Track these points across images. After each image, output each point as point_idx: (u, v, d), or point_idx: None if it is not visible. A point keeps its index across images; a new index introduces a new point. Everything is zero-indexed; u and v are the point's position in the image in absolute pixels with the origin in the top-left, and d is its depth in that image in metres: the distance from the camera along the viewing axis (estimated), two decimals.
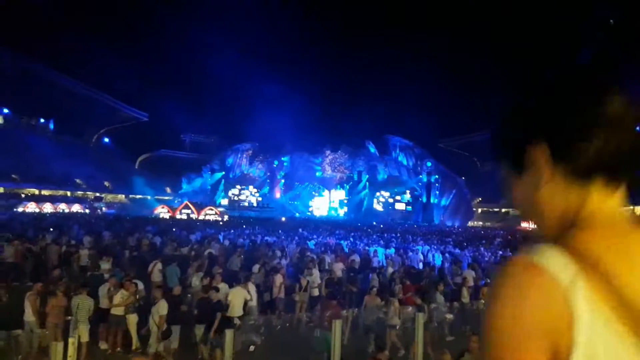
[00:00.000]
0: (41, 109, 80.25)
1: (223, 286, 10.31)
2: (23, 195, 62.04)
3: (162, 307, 8.65)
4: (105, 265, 13.52)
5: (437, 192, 77.66)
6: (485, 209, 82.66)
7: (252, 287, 10.73)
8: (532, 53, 75.89)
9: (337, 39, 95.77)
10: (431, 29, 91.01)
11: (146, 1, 73.31)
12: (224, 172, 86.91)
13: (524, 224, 61.31)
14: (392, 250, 21.06)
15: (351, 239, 27.05)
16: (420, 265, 18.15)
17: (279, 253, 17.08)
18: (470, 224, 73.33)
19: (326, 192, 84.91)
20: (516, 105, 0.86)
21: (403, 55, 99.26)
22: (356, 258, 17.13)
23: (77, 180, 75.20)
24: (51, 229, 24.81)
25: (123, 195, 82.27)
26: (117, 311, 9.29)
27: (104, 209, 67.02)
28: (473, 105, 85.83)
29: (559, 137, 0.78)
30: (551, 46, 69.84)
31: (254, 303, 10.55)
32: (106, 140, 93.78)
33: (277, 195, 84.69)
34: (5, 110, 75.24)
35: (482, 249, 23.40)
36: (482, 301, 11.65)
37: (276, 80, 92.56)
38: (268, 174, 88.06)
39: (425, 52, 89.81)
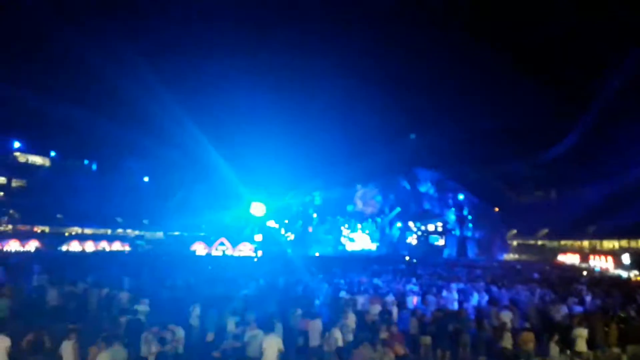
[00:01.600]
0: (85, 151, 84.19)
1: (258, 333, 10.41)
2: (67, 234, 64.55)
3: None
4: (142, 307, 13.53)
5: (471, 225, 76.31)
6: (520, 241, 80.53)
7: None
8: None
9: (367, 73, 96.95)
10: (465, 60, 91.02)
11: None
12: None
13: (561, 257, 59.49)
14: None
15: (385, 277, 26.92)
16: (456, 305, 17.93)
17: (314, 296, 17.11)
18: (505, 257, 71.47)
19: (358, 226, 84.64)
20: None
21: (435, 86, 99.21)
22: (391, 299, 17.08)
23: (118, 219, 77.73)
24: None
25: (161, 233, 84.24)
26: None
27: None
28: (507, 136, 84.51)
29: None
30: None
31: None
32: (145, 179, 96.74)
33: (310, 230, 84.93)
34: (52, 153, 79.22)
35: (519, 286, 22.83)
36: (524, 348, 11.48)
37: (303, 115, 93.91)
38: (300, 209, 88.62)
39: (459, 83, 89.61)
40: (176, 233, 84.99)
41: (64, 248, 53.03)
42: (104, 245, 59.78)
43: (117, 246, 61.13)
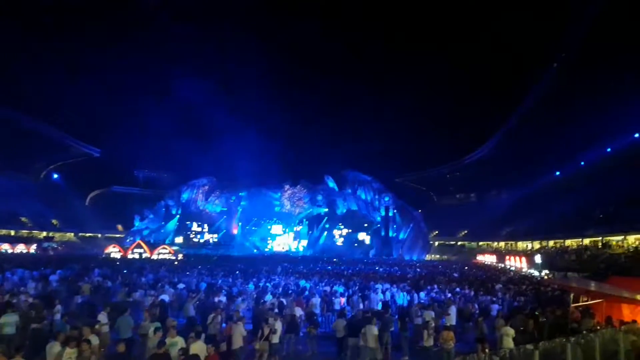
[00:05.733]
0: None
1: (179, 340, 9.74)
2: None
3: None
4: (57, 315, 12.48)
5: (395, 226, 78.52)
6: (441, 242, 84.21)
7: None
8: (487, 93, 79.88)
9: (296, 75, 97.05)
10: (390, 66, 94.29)
11: (99, 32, 72.08)
12: (179, 209, 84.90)
13: (480, 257, 62.82)
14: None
15: (312, 279, 26.65)
16: (380, 306, 17.94)
17: (239, 300, 16.41)
18: (427, 257, 74.30)
19: (285, 227, 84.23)
20: None
21: (362, 92, 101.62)
22: (316, 301, 16.78)
23: (23, 219, 71.35)
24: None
25: (72, 234, 78.64)
26: None
27: (54, 248, 63.51)
28: (429, 141, 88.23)
29: None
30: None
31: None
32: (55, 176, 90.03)
33: (235, 231, 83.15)
34: None
35: (436, 286, 23.41)
36: (445, 346, 11.56)
37: (234, 114, 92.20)
38: (225, 209, 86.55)
39: (385, 89, 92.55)
40: (88, 235, 79.92)
41: None
42: (5, 247, 54.48)
43: (20, 248, 55.95)
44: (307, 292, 19.54)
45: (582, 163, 61.07)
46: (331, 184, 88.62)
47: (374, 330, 11.94)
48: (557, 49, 60.76)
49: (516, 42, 68.61)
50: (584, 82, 54.59)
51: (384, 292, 20.37)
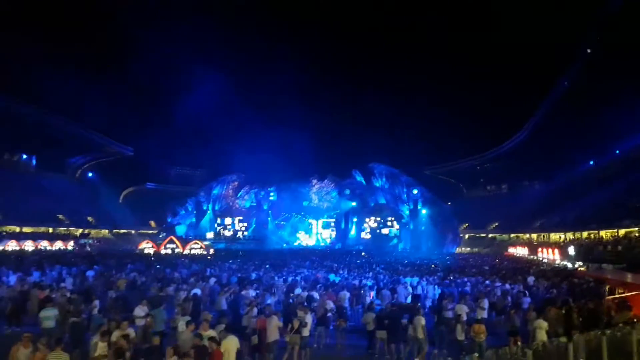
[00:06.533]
0: (23, 145, 79.50)
1: (211, 333, 9.97)
2: (4, 233, 60.64)
3: None
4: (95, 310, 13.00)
5: (424, 219, 77.73)
6: (472, 234, 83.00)
7: None
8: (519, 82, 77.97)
9: (324, 70, 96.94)
10: (420, 57, 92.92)
11: (130, 33, 73.66)
12: (210, 205, 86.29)
13: (511, 250, 61.68)
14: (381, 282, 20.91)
15: (341, 272, 26.77)
16: (410, 299, 17.90)
17: (268, 296, 16.60)
18: (457, 250, 73.40)
19: (313, 221, 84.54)
20: None
21: (389, 85, 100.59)
22: (345, 295, 16.85)
23: (60, 216, 73.91)
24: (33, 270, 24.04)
25: (107, 231, 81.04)
26: None
27: (91, 244, 65.50)
28: (459, 133, 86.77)
29: None
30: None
31: None
32: (90, 175, 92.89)
33: (264, 226, 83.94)
34: None
35: (465, 279, 23.15)
36: (476, 339, 11.46)
37: (262, 111, 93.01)
38: (254, 204, 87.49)
39: (411, 81, 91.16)
40: (122, 231, 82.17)
41: None
42: (44, 244, 56.52)
43: (58, 245, 57.96)
44: (336, 286, 19.65)
45: (617, 152, 59.09)
46: (359, 177, 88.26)
47: (422, 321, 12.07)
48: (591, 36, 58.90)
49: (548, 29, 66.70)
50: (618, 69, 52.75)
51: (413, 287, 20.29)
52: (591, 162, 65.20)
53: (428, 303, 18.27)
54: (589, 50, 60.15)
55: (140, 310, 12.51)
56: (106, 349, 9.02)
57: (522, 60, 75.03)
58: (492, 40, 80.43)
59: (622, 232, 44.60)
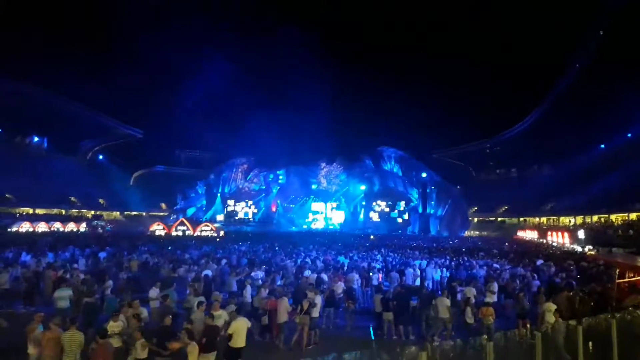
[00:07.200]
0: (34, 127, 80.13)
1: (222, 313, 10.13)
2: (17, 215, 61.54)
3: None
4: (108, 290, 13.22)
5: (433, 203, 77.65)
6: (481, 218, 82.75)
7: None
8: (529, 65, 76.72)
9: (332, 52, 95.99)
10: (428, 41, 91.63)
11: (140, 19, 73.35)
12: (220, 187, 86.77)
13: (520, 233, 61.47)
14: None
15: (350, 256, 26.91)
16: (418, 282, 18.01)
17: (278, 276, 16.78)
18: (466, 233, 73.31)
19: (322, 204, 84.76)
20: None
21: (397, 69, 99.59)
22: (354, 277, 16.97)
23: (72, 198, 74.79)
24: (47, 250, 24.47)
25: (118, 213, 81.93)
26: (114, 343, 8.94)
27: (102, 226, 66.28)
28: (468, 115, 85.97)
29: None
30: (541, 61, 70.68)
31: None
32: (101, 157, 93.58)
33: (274, 209, 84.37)
34: None
35: (474, 262, 23.14)
36: (485, 321, 11.53)
37: (271, 94, 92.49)
38: (264, 187, 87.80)
39: (422, 64, 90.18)
40: (134, 213, 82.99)
41: (13, 229, 50.52)
42: (57, 226, 57.33)
43: (71, 227, 58.77)
44: (345, 268, 19.78)
45: (629, 135, 58.26)
46: (368, 160, 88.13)
47: (446, 301, 12.29)
48: (603, 17, 57.64)
49: (559, 11, 65.36)
50: (630, 52, 51.71)
51: (422, 270, 20.34)
52: (602, 146, 64.32)
53: (435, 286, 18.34)
54: (601, 32, 58.95)
55: (154, 292, 12.74)
56: (119, 328, 9.17)
57: (535, 43, 73.76)
58: (504, 21, 79.13)
59: (632, 216, 44.26)
